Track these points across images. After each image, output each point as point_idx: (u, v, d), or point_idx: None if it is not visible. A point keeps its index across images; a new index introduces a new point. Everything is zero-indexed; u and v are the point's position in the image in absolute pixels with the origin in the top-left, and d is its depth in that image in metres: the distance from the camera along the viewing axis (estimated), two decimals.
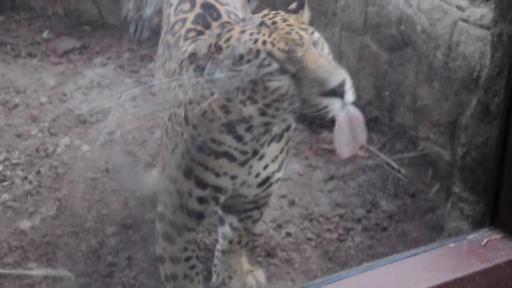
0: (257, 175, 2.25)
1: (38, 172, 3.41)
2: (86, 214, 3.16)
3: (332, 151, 3.57)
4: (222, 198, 2.26)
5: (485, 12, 2.72)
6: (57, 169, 3.44)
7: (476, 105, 2.50)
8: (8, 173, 3.40)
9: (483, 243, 2.29)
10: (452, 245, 2.31)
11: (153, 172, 3.26)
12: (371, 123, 3.62)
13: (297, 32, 1.86)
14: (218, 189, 2.21)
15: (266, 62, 1.84)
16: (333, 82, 1.80)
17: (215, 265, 2.75)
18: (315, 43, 1.88)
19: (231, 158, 2.14)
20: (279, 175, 2.36)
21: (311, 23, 4.13)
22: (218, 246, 2.71)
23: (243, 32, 1.91)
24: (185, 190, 2.21)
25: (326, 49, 1.93)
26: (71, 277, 2.82)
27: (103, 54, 4.47)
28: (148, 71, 4.20)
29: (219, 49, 1.94)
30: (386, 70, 3.43)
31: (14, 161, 3.48)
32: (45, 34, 4.58)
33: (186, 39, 2.36)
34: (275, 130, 2.11)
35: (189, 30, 2.38)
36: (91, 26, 4.69)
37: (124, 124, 3.71)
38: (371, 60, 3.53)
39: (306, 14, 2.09)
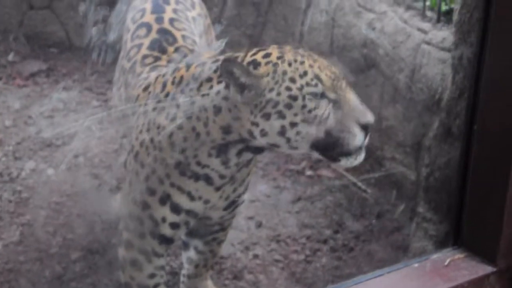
0: (227, 198, 2.25)
1: (2, 197, 3.35)
2: (50, 239, 3.11)
3: (299, 172, 3.59)
4: (192, 223, 2.24)
5: (446, 35, 2.78)
6: (21, 193, 3.38)
7: (438, 127, 2.53)
8: None
9: (446, 263, 2.31)
10: (416, 265, 2.32)
11: (118, 196, 3.22)
12: None
13: (336, 67, 2.00)
14: (192, 213, 2.20)
15: (313, 83, 1.91)
16: (369, 118, 1.94)
17: None
18: None
19: (209, 181, 2.13)
20: (244, 197, 2.37)
21: (278, 44, 4.18)
22: (184, 271, 2.68)
23: (284, 53, 1.96)
24: (159, 216, 2.18)
25: None
26: None
27: (70, 77, 4.44)
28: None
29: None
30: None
31: None
32: (10, 57, 4.54)
33: (143, 65, 2.35)
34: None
35: (145, 56, 2.37)
36: (58, 48, 4.65)
37: (91, 147, 3.67)
38: None
39: None
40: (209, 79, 2.01)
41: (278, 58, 1.94)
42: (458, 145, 2.40)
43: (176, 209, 2.17)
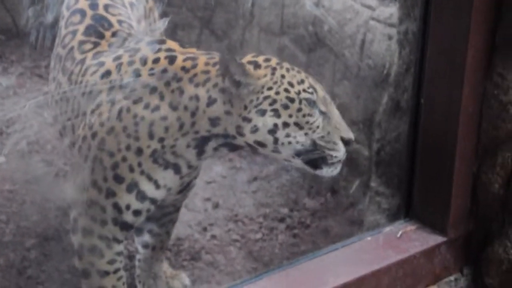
0: (182, 183, 2.26)
1: None
2: (3, 227, 3.06)
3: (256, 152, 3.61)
4: (152, 210, 2.24)
5: (393, 11, 2.80)
6: None
7: (387, 102, 2.57)
8: None
9: (398, 235, 2.37)
10: (369, 238, 2.37)
11: (68, 183, 3.18)
12: None
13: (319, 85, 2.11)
14: (154, 201, 2.19)
15: (310, 90, 2.03)
16: (351, 135, 2.08)
17: (138, 275, 2.71)
18: None
19: (177, 170, 2.14)
20: (195, 181, 2.41)
21: (229, 26, 4.15)
22: (139, 256, 2.67)
23: (281, 62, 2.09)
24: (123, 204, 2.17)
25: None
26: None
27: (20, 63, 4.34)
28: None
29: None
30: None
31: None
32: None
33: (82, 51, 2.31)
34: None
35: (82, 42, 2.34)
36: (5, 35, 4.54)
37: (43, 133, 3.61)
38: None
39: None
40: (207, 72, 2.06)
41: (277, 64, 2.05)
42: (406, 119, 2.45)
43: (141, 196, 2.16)
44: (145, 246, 2.62)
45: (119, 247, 2.31)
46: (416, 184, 2.43)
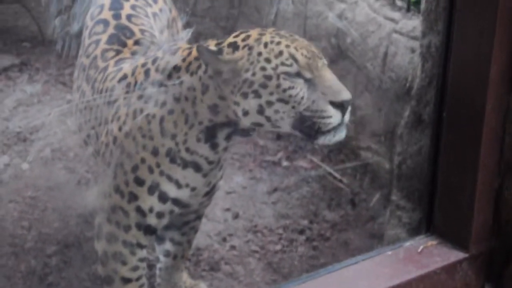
0: (209, 184, 2.26)
1: None
2: (25, 234, 3.09)
3: (276, 163, 3.61)
4: (176, 211, 2.25)
5: (416, 24, 2.80)
6: None
7: (409, 115, 2.55)
8: None
9: (419, 250, 2.33)
10: (389, 252, 2.34)
11: (91, 190, 3.20)
12: None
13: (315, 48, 2.00)
14: (177, 201, 2.20)
15: (288, 62, 1.93)
16: (344, 96, 1.94)
17: (158, 284, 2.72)
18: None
19: (198, 168, 2.14)
20: (221, 183, 2.40)
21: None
22: (160, 265, 2.68)
23: (262, 34, 1.98)
24: (146, 207, 2.18)
25: None
26: None
27: (44, 71, 4.40)
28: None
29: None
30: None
31: None
32: None
33: (105, 59, 2.35)
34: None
35: (105, 50, 2.37)
36: (30, 43, 4.61)
37: (66, 141, 3.65)
38: None
39: None
40: (198, 59, 2.04)
41: (256, 40, 1.97)
42: (428, 133, 2.43)
43: (163, 197, 2.17)
44: (166, 254, 2.63)
45: (142, 253, 2.32)
46: (438, 198, 2.40)
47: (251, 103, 1.96)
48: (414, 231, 2.51)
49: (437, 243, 2.37)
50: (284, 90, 1.94)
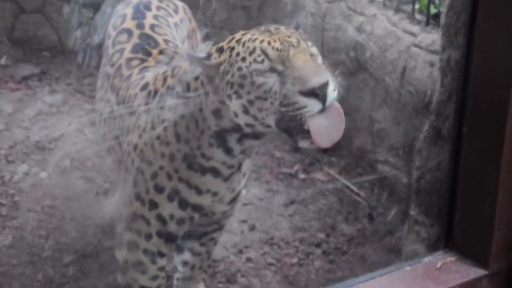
0: (233, 190, 2.25)
1: None
2: (43, 243, 3.11)
3: (292, 175, 3.60)
4: (196, 217, 2.24)
5: (436, 38, 2.78)
6: (13, 197, 3.38)
7: (428, 129, 2.54)
8: None
9: (438, 266, 2.31)
10: (408, 268, 2.32)
11: (111, 199, 3.22)
12: (331, 147, 3.65)
13: (297, 38, 1.89)
14: (197, 207, 2.19)
15: (259, 59, 1.86)
16: (314, 82, 1.80)
17: None
18: (312, 54, 1.91)
19: (217, 174, 2.13)
20: (244, 192, 2.38)
21: None
22: (178, 275, 2.68)
23: (245, 33, 1.94)
24: (167, 214, 2.18)
25: (319, 61, 1.95)
26: None
27: (63, 80, 4.44)
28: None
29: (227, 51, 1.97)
30: (343, 94, 3.47)
31: None
32: (3, 60, 4.54)
33: (130, 67, 2.36)
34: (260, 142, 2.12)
35: (130, 59, 2.38)
36: (50, 52, 4.66)
37: (84, 150, 3.67)
38: None
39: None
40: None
41: (237, 41, 1.93)
42: (448, 148, 2.41)
43: (183, 204, 2.17)
44: (185, 264, 2.63)
45: (162, 262, 2.32)
46: (457, 214, 2.37)
47: (236, 104, 1.93)
48: (432, 247, 2.49)
49: (456, 259, 2.35)
50: (259, 87, 1.87)
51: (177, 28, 2.61)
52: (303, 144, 1.87)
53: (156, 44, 2.41)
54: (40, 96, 4.23)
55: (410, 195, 2.86)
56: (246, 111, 1.92)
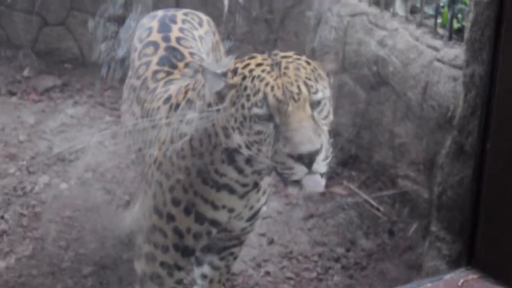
0: (251, 207, 2.24)
1: (15, 211, 3.37)
2: (62, 253, 3.12)
3: None
4: (214, 232, 2.24)
5: (458, 53, 2.76)
6: (34, 208, 3.40)
7: (451, 145, 2.51)
8: None
9: (459, 283, 2.28)
10: (429, 285, 2.30)
11: (130, 211, 3.23)
12: (351, 161, 3.63)
13: (298, 86, 1.84)
14: (214, 222, 2.19)
15: (260, 104, 1.84)
16: (302, 149, 1.77)
17: None
18: (314, 103, 1.86)
19: (231, 191, 2.12)
20: (264, 208, 2.36)
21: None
22: (196, 287, 2.68)
23: (259, 65, 1.90)
24: (184, 227, 2.18)
25: (325, 111, 1.89)
26: None
27: (84, 92, 4.48)
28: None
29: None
30: (364, 108, 3.46)
31: None
32: (25, 72, 4.60)
33: (155, 80, 2.37)
34: None
35: (156, 72, 2.40)
36: (72, 64, 4.71)
37: (104, 162, 3.69)
38: (350, 98, 3.56)
39: (329, 64, 2.00)
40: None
41: (250, 71, 1.90)
42: (471, 164, 2.38)
43: (199, 218, 2.17)
44: (204, 278, 2.62)
45: (180, 275, 2.32)
46: (480, 231, 2.35)
47: (238, 138, 1.92)
48: (454, 264, 2.46)
49: (478, 277, 2.32)
50: (255, 133, 1.86)
51: (202, 41, 2.63)
52: (292, 190, 1.86)
53: (182, 57, 2.42)
54: (61, 108, 4.28)
55: (431, 211, 2.83)
56: (247, 147, 1.91)
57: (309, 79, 1.86)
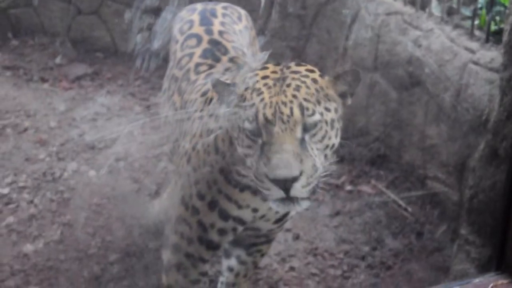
0: (277, 211, 2.23)
1: (44, 196, 3.41)
2: (89, 240, 3.16)
3: (339, 187, 3.58)
4: (240, 229, 2.25)
5: (495, 56, 2.73)
6: (63, 193, 3.44)
7: (484, 148, 2.49)
8: (15, 196, 3.40)
9: None
10: None
11: (157, 201, 3.25)
12: (379, 160, 3.62)
13: (291, 107, 1.82)
14: (239, 220, 2.20)
15: (251, 119, 1.85)
16: (278, 174, 1.76)
17: None
18: (308, 126, 1.83)
19: (254, 192, 2.11)
20: (293, 212, 2.33)
21: (321, 58, 4.14)
22: (222, 279, 2.69)
23: (265, 77, 1.90)
24: (207, 222, 2.19)
25: (320, 134, 1.85)
26: None
27: (115, 81, 4.51)
28: (158, 99, 4.23)
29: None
30: (395, 108, 3.44)
31: (21, 184, 3.49)
32: (57, 60, 4.63)
33: (197, 72, 2.38)
34: None
35: (198, 64, 2.41)
36: (103, 53, 4.74)
37: (132, 151, 3.72)
38: (381, 98, 3.55)
39: (342, 86, 1.94)
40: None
41: (263, 77, 1.89)
42: (504, 168, 2.36)
43: (224, 215, 2.18)
44: (230, 270, 2.64)
45: (204, 267, 2.33)
46: (511, 235, 2.33)
47: (240, 150, 1.94)
48: (483, 268, 2.44)
49: (508, 282, 2.30)
50: (246, 147, 1.88)
51: (241, 34, 2.63)
52: (273, 206, 1.87)
53: (226, 50, 2.43)
54: (92, 96, 4.31)
55: (460, 214, 2.81)
56: (245, 157, 1.93)
57: (307, 101, 1.83)
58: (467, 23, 3.10)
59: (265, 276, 3.02)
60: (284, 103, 1.81)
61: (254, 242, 2.51)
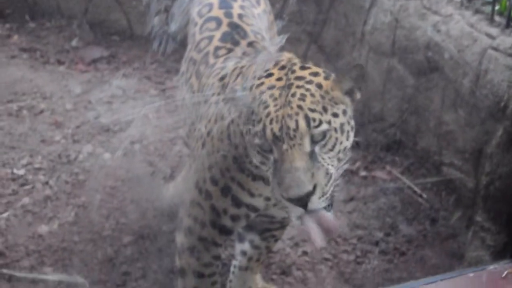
0: None
1: (59, 178, 3.43)
2: (104, 222, 3.18)
3: (353, 172, 3.56)
4: (253, 216, 2.25)
5: None
6: (78, 175, 3.46)
7: (502, 135, 2.46)
8: (30, 177, 3.43)
9: (503, 275, 2.25)
10: (471, 275, 2.28)
11: (172, 184, 3.26)
12: (395, 146, 3.59)
13: (297, 120, 1.80)
14: (252, 208, 2.21)
15: (259, 135, 1.85)
16: (291, 194, 1.77)
17: (230, 281, 2.74)
18: (316, 136, 1.82)
19: (267, 181, 2.10)
20: None
21: (337, 43, 4.09)
22: (235, 262, 2.70)
23: (271, 88, 1.88)
24: (220, 207, 2.20)
25: (330, 143, 1.83)
26: (85, 284, 2.83)
27: (130, 64, 4.51)
28: (173, 83, 4.23)
29: None
30: (412, 93, 3.41)
31: (36, 165, 3.51)
32: (74, 42, 4.64)
33: (216, 56, 2.37)
34: None
35: (218, 48, 2.39)
36: (119, 36, 4.74)
37: (147, 134, 3.72)
38: (397, 83, 3.51)
39: (347, 83, 1.91)
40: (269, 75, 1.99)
41: (261, 93, 1.88)
42: None
43: (236, 202, 2.18)
44: (243, 254, 2.64)
45: (217, 251, 2.34)
46: None
47: (254, 160, 1.95)
48: (498, 255, 2.42)
49: None
50: (260, 162, 1.88)
51: (260, 18, 2.61)
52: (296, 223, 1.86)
53: (245, 34, 2.41)
54: (107, 79, 4.32)
55: (476, 201, 2.78)
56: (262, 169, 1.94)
57: (313, 111, 1.82)
58: (487, 9, 3.06)
59: (278, 260, 3.02)
60: (290, 116, 1.81)
61: (268, 227, 2.51)
